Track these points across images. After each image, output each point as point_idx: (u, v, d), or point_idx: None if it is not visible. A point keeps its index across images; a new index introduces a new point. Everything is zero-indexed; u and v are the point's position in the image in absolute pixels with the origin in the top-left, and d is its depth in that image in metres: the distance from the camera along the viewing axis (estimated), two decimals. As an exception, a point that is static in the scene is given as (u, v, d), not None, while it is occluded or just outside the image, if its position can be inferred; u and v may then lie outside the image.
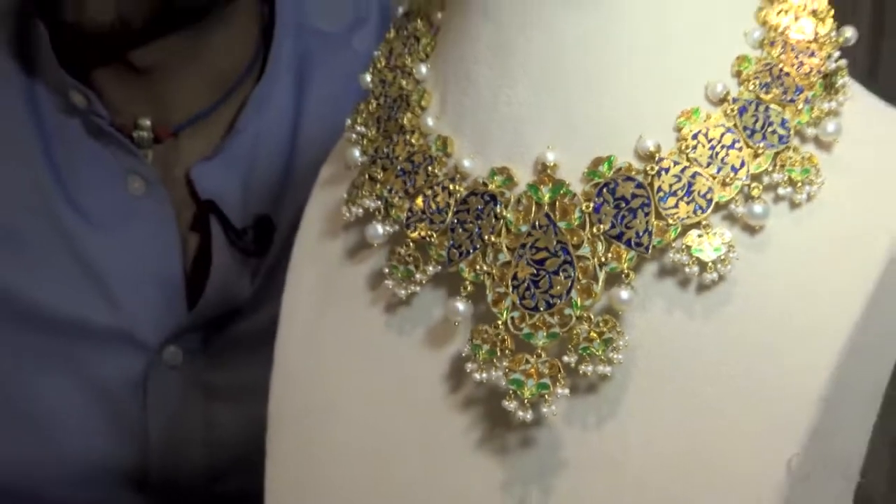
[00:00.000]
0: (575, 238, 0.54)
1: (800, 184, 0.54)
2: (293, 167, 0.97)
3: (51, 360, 0.98)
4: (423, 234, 0.58)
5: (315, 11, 1.06)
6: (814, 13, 0.58)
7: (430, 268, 0.58)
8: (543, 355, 0.54)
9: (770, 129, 0.55)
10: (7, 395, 1.00)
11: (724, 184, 0.54)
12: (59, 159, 1.00)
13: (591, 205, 0.54)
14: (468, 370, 0.55)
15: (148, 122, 0.99)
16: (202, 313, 0.99)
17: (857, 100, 0.57)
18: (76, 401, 0.98)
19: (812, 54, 0.57)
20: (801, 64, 0.56)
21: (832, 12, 0.59)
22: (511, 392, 0.54)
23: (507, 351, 0.54)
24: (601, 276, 0.54)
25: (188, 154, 1.02)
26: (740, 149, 0.54)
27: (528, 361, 0.54)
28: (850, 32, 0.58)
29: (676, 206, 0.53)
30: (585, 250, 0.54)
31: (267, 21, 1.05)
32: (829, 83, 0.56)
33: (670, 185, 0.54)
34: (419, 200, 0.59)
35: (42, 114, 1.00)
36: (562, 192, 0.55)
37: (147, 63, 0.97)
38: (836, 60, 0.57)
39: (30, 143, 0.99)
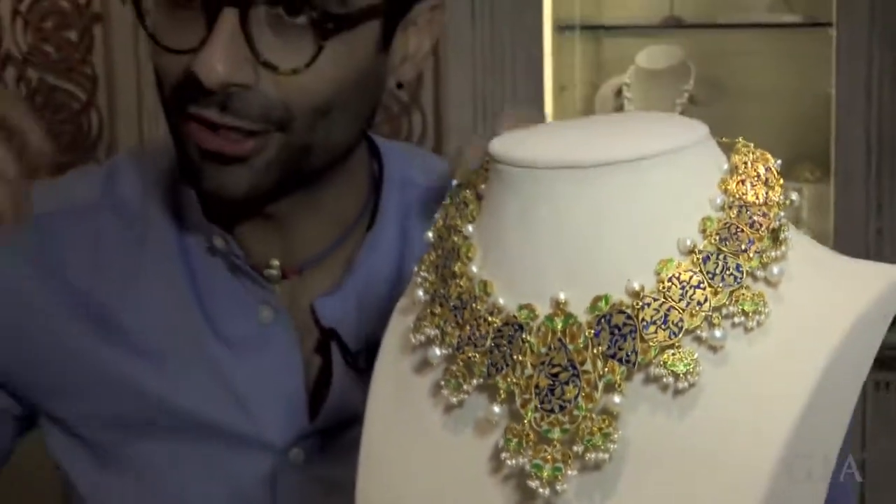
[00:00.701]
0: (580, 357, 0.63)
1: (751, 313, 0.63)
2: (398, 299, 1.02)
3: (195, 460, 1.03)
4: (469, 355, 0.67)
5: (416, 169, 1.09)
6: (766, 182, 0.68)
7: (475, 380, 0.67)
8: (558, 446, 0.63)
9: (727, 273, 0.64)
10: (163, 488, 1.04)
11: (692, 315, 0.63)
12: (203, 291, 1.03)
13: (593, 331, 0.63)
14: (503, 457, 0.64)
15: (277, 262, 1.03)
16: (322, 421, 1.02)
17: (796, 248, 0.67)
18: (218, 495, 1.03)
19: (764, 214, 0.66)
20: (754, 222, 0.66)
21: (781, 181, 0.69)
22: (534, 474, 0.63)
23: (530, 442, 0.63)
24: (600, 385, 0.63)
25: (312, 288, 1.04)
26: (704, 288, 0.63)
27: (546, 450, 0.63)
28: (794, 196, 0.68)
29: (656, 332, 0.63)
30: (588, 366, 0.63)
31: (377, 176, 1.08)
32: (775, 237, 0.66)
33: (651, 316, 0.63)
34: (466, 329, 0.68)
35: (189, 253, 1.04)
36: (570, 322, 0.64)
37: (276, 212, 1.00)
38: (781, 220, 0.67)
39: (179, 278, 1.03)
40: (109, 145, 2.52)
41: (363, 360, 1.01)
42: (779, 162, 0.71)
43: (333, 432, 1.03)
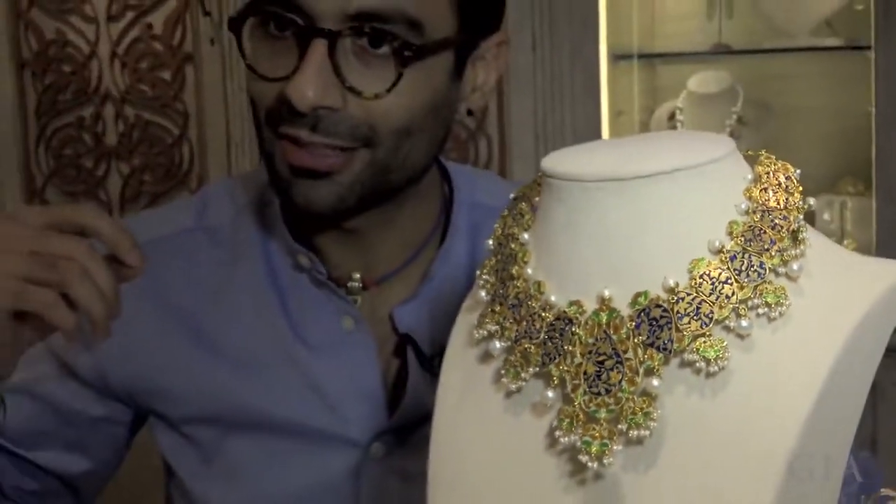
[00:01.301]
0: (623, 346, 0.67)
1: (773, 305, 0.67)
2: None
3: (289, 456, 1.06)
4: (525, 346, 0.71)
5: (483, 191, 1.11)
6: (786, 189, 0.71)
7: (531, 369, 0.70)
8: (604, 424, 0.67)
9: (752, 270, 0.67)
10: (260, 482, 1.07)
11: (721, 307, 0.66)
12: (290, 304, 1.06)
13: (634, 323, 0.67)
14: (556, 435, 0.68)
15: (358, 276, 1.06)
16: (400, 418, 1.05)
17: (814, 247, 0.70)
18: (308, 486, 1.06)
19: (784, 217, 0.70)
20: (775, 225, 0.69)
21: (800, 188, 0.72)
22: (584, 449, 0.66)
23: (580, 422, 0.67)
24: (641, 370, 0.67)
25: (389, 298, 1.07)
26: (731, 283, 0.67)
27: (594, 429, 0.67)
28: (811, 201, 0.72)
29: (689, 322, 0.66)
30: (630, 354, 0.67)
31: (447, 197, 1.10)
32: (794, 237, 0.69)
33: (685, 309, 0.67)
34: (523, 324, 0.71)
35: (276, 271, 1.07)
36: (614, 316, 0.68)
37: (358, 229, 1.02)
38: (800, 222, 0.70)
39: (267, 293, 1.07)
40: (200, 175, 2.55)
41: (436, 362, 1.01)
42: (798, 171, 0.74)
43: (409, 428, 1.06)
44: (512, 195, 0.79)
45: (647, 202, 0.69)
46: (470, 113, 1.04)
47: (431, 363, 1.05)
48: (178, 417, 1.09)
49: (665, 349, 0.67)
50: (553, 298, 0.71)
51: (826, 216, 2.17)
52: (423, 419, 1.00)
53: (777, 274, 0.69)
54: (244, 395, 1.07)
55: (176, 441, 1.11)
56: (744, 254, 0.68)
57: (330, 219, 1.00)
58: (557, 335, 0.70)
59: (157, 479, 1.19)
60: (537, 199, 0.76)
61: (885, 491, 0.66)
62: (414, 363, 1.05)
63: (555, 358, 0.70)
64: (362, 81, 0.92)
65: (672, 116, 2.35)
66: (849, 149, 2.24)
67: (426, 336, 1.05)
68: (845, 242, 2.10)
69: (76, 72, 2.60)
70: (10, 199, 2.67)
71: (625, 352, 0.68)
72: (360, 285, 1.06)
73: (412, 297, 1.06)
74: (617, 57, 2.30)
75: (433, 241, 1.09)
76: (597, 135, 2.19)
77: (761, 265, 0.68)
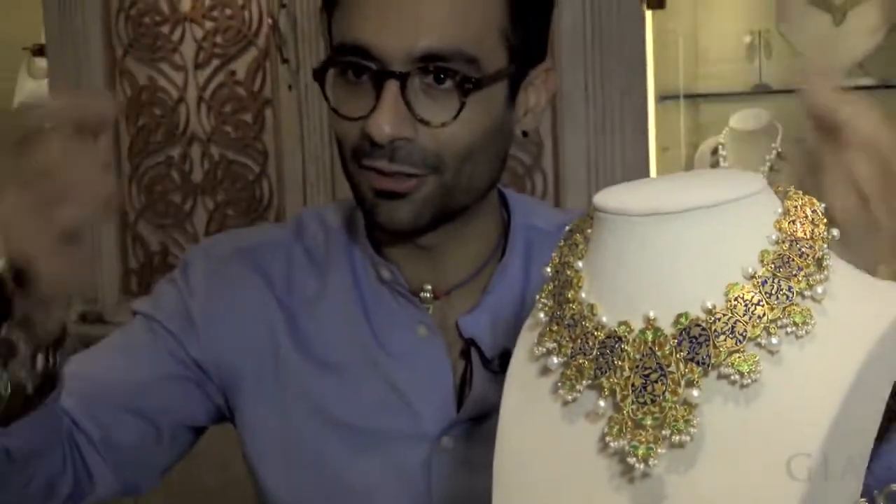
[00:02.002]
0: (666, 361, 0.70)
1: (800, 324, 0.70)
2: (522, 317, 1.04)
3: (369, 451, 1.11)
4: (580, 362, 0.74)
5: (537, 216, 1.17)
6: (812, 221, 0.74)
7: (585, 382, 0.73)
8: (650, 430, 0.69)
9: (781, 293, 0.70)
10: (341, 477, 1.11)
11: (753, 326, 0.69)
12: (372, 314, 1.13)
13: (676, 341, 0.70)
14: (607, 441, 0.71)
15: (430, 287, 1.12)
16: (466, 414, 1.10)
17: (837, 272, 0.73)
18: (386, 477, 1.10)
19: (810, 247, 0.72)
20: (802, 253, 0.72)
21: (825, 220, 0.74)
22: (632, 452, 0.69)
23: (629, 428, 0.70)
24: (682, 382, 0.69)
25: (456, 307, 1.13)
26: (763, 305, 0.70)
27: (641, 434, 0.70)
28: (835, 231, 0.74)
29: (725, 340, 0.69)
30: (673, 368, 0.70)
31: (505, 220, 1.16)
32: (819, 264, 0.72)
33: (721, 328, 0.69)
34: (577, 342, 0.74)
35: (360, 285, 1.13)
36: (658, 334, 0.71)
37: (430, 245, 1.09)
38: (824, 251, 0.73)
39: (353, 303, 1.13)
40: (278, 209, 2.58)
41: (497, 363, 1.09)
42: (823, 205, 0.76)
43: (475, 422, 1.10)
44: (567, 228, 0.82)
45: (686, 234, 0.72)
46: (525, 134, 1.10)
47: (492, 364, 1.10)
48: (270, 414, 1.14)
49: (704, 363, 0.70)
50: (604, 319, 0.74)
51: (860, 244, 2.16)
52: (486, 414, 1.07)
53: (803, 297, 0.71)
54: (329, 392, 1.12)
55: (263, 445, 1.15)
56: (774, 279, 0.71)
57: (407, 234, 1.07)
58: (608, 351, 0.73)
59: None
60: (589, 230, 0.79)
61: (894, 487, 0.68)
62: (478, 364, 1.11)
63: (606, 372, 0.73)
64: (430, 113, 0.99)
65: (715, 152, 2.36)
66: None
67: (488, 341, 1.10)
68: (881, 268, 2.10)
69: (166, 115, 2.65)
70: (106, 231, 2.72)
71: (668, 366, 0.70)
72: (432, 296, 1.12)
73: (475, 308, 1.12)
74: (663, 97, 2.31)
75: (493, 258, 1.14)
76: (645, 169, 2.20)
77: (789, 289, 0.71)
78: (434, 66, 0.99)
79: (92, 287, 2.73)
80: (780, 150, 2.30)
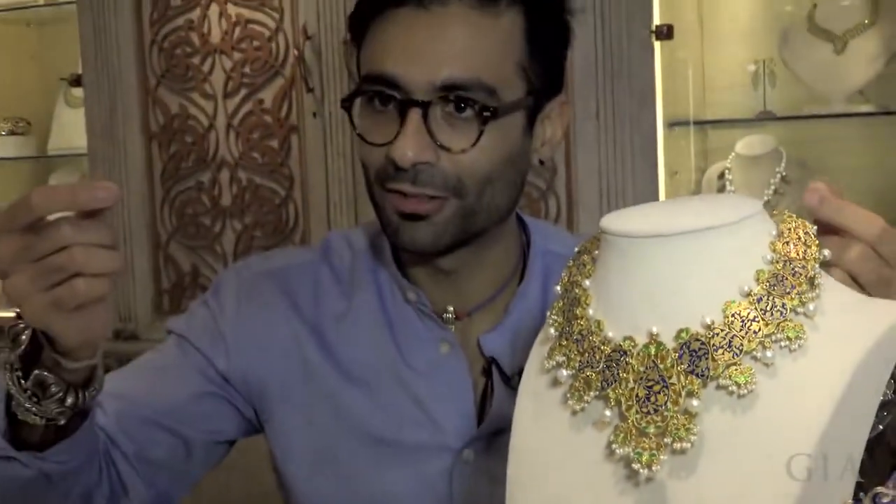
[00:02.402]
0: (668, 373, 0.72)
1: (793, 339, 0.71)
2: None
3: (393, 461, 1.12)
4: (587, 374, 0.76)
5: (554, 241, 1.19)
6: (804, 243, 0.76)
7: (592, 393, 0.75)
8: (653, 438, 0.72)
9: (775, 310, 0.72)
10: (367, 486, 1.13)
11: (749, 340, 0.71)
12: (397, 332, 1.15)
13: (677, 354, 0.72)
14: (613, 448, 0.73)
15: (452, 308, 1.14)
16: (487, 428, 1.11)
17: (828, 290, 0.75)
18: (410, 486, 1.12)
19: (803, 267, 0.74)
20: (795, 272, 0.74)
21: (817, 242, 0.76)
22: (636, 458, 0.72)
23: (633, 436, 0.72)
24: (683, 393, 0.71)
25: (477, 327, 1.15)
26: (758, 321, 0.72)
27: (644, 442, 0.72)
28: (826, 252, 0.76)
29: (723, 353, 0.71)
30: (674, 379, 0.72)
31: (524, 244, 1.18)
32: (811, 282, 0.74)
33: (719, 342, 0.71)
34: (585, 356, 0.76)
35: (385, 305, 1.15)
36: (661, 348, 0.73)
37: (451, 269, 1.11)
38: (816, 270, 0.74)
39: (379, 322, 1.15)
40: (304, 231, 2.58)
41: (516, 381, 1.06)
42: (815, 228, 0.78)
43: (495, 436, 1.12)
44: (576, 249, 0.85)
45: (686, 254, 0.74)
46: (541, 163, 1.12)
47: (511, 381, 1.12)
48: (299, 425, 1.15)
49: (703, 375, 0.72)
50: (610, 334, 0.76)
51: (862, 264, 2.17)
52: (505, 428, 1.04)
53: (796, 313, 0.73)
54: (356, 405, 1.14)
55: (291, 452, 1.17)
56: (768, 296, 0.73)
57: (429, 255, 1.09)
58: (614, 364, 0.75)
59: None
60: (597, 251, 0.81)
61: (879, 489, 0.70)
62: (498, 381, 1.12)
63: (612, 383, 0.75)
64: (451, 140, 1.02)
65: (722, 176, 2.36)
66: (881, 203, 2.24)
67: (507, 359, 1.12)
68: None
69: (196, 142, 2.67)
70: (139, 253, 2.75)
71: (670, 378, 0.73)
72: (454, 316, 1.14)
73: (495, 328, 1.14)
74: (672, 124, 2.32)
75: (513, 281, 1.16)
76: (654, 193, 2.21)
77: (783, 306, 0.73)
78: (455, 95, 1.01)
79: (126, 306, 2.77)
80: (784, 174, 2.30)
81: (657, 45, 2.21)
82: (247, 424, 1.21)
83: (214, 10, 2.61)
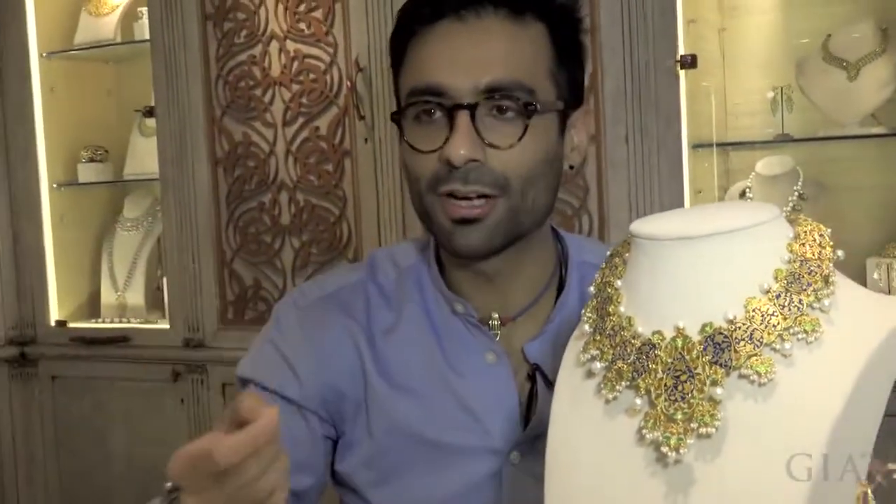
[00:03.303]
0: (694, 364, 0.73)
1: (810, 332, 0.72)
2: None
3: (444, 464, 1.10)
4: (619, 366, 0.77)
5: (589, 252, 1.17)
6: (819, 244, 0.76)
7: (624, 383, 0.76)
8: (680, 423, 0.73)
9: (793, 305, 0.73)
10: (420, 488, 1.10)
11: (769, 333, 0.72)
12: (444, 342, 1.12)
13: (702, 347, 0.73)
14: (643, 433, 0.74)
15: (497, 315, 1.12)
16: (532, 431, 1.08)
17: (842, 287, 0.75)
18: (460, 488, 1.10)
19: (818, 266, 0.75)
20: (811, 271, 0.75)
21: (831, 243, 0.77)
22: (665, 442, 0.73)
23: (662, 422, 0.73)
24: (708, 382, 0.72)
25: (521, 333, 1.12)
26: (777, 315, 0.73)
27: (672, 427, 0.73)
28: (840, 253, 0.76)
29: (744, 345, 0.72)
30: (700, 370, 0.73)
31: (560, 253, 1.16)
32: (826, 280, 0.74)
33: (741, 335, 0.72)
34: (617, 349, 0.77)
35: (433, 317, 1.13)
36: (687, 341, 0.74)
37: (493, 271, 1.09)
38: (830, 269, 0.75)
39: (427, 334, 1.13)
40: (356, 248, 2.59)
41: None
42: (829, 230, 0.79)
43: (539, 438, 1.06)
44: (608, 252, 0.86)
45: (710, 255, 0.75)
46: (571, 167, 1.12)
47: (554, 385, 1.08)
48: (355, 429, 1.13)
49: (726, 366, 0.73)
50: (640, 329, 0.77)
51: (875, 275, 2.15)
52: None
53: (812, 308, 0.74)
54: (408, 412, 1.11)
55: (350, 451, 1.14)
56: (786, 293, 0.74)
57: (482, 257, 1.08)
58: (644, 357, 0.76)
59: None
60: (627, 254, 0.82)
61: (890, 465, 0.70)
62: (542, 386, 1.10)
63: (642, 374, 0.76)
64: (498, 137, 1.02)
65: (743, 194, 2.34)
66: (893, 219, 2.24)
67: (550, 365, 1.10)
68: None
69: (258, 166, 2.68)
70: (206, 268, 2.77)
71: (695, 368, 0.73)
72: (499, 322, 1.12)
73: (538, 336, 1.12)
74: (696, 146, 2.31)
75: (551, 288, 1.15)
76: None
77: (800, 301, 0.74)
78: (499, 95, 1.03)
79: (194, 317, 2.80)
80: (801, 192, 2.28)
81: (682, 73, 2.21)
82: (331, 446, 1.17)
83: (275, 46, 2.64)
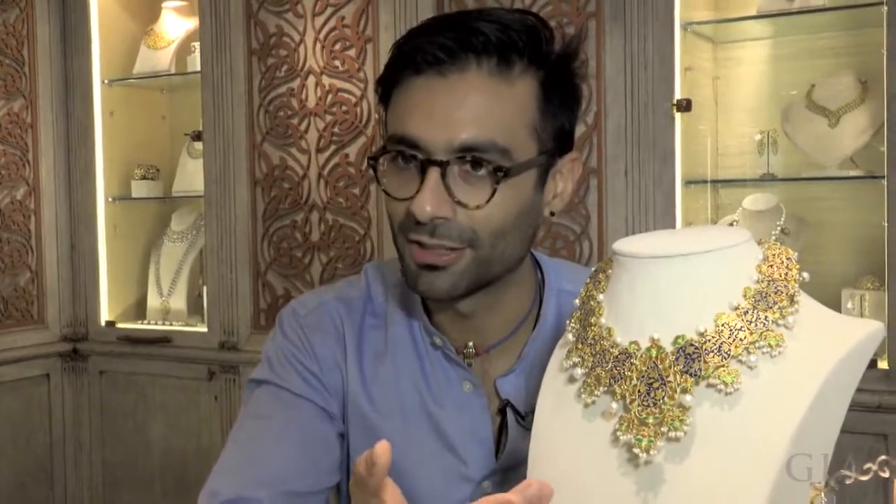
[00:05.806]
0: (666, 372, 0.71)
1: (774, 346, 0.71)
2: None
3: (421, 489, 1.03)
4: (598, 372, 0.75)
5: (568, 280, 1.08)
6: (786, 266, 0.75)
7: (602, 388, 0.75)
8: (652, 427, 0.71)
9: (759, 321, 0.71)
10: None
11: (736, 346, 0.70)
12: (426, 370, 1.06)
13: (674, 357, 0.71)
14: (618, 435, 0.73)
15: (472, 344, 1.05)
16: (503, 461, 1.04)
17: (806, 306, 0.74)
18: None
19: (784, 286, 0.73)
20: (778, 290, 0.73)
21: (797, 266, 0.75)
22: (637, 444, 0.71)
23: (634, 425, 0.72)
24: (678, 390, 0.71)
25: (495, 365, 1.06)
26: (744, 330, 0.71)
27: (644, 430, 0.71)
28: (805, 275, 0.74)
29: (713, 357, 0.70)
30: (671, 378, 0.71)
31: (539, 282, 1.08)
32: (791, 299, 0.73)
33: (710, 347, 0.71)
34: (597, 357, 0.76)
35: (417, 343, 1.07)
36: (661, 351, 0.72)
37: (469, 311, 1.03)
38: (796, 289, 0.73)
39: (412, 360, 1.07)
40: None
41: (529, 419, 0.96)
42: (796, 255, 0.77)
43: (511, 468, 1.04)
44: (594, 268, 0.84)
45: (684, 273, 0.73)
46: (552, 214, 1.03)
47: (525, 420, 1.03)
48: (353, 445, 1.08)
49: (696, 375, 0.71)
50: (618, 339, 0.76)
51: (849, 304, 2.13)
52: (519, 463, 0.98)
53: (777, 325, 0.72)
54: (390, 437, 1.02)
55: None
56: (754, 310, 0.72)
57: (445, 301, 1.02)
58: (621, 364, 0.74)
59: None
60: (610, 270, 0.80)
61: (842, 471, 0.68)
62: (513, 421, 1.04)
63: (618, 380, 0.74)
64: (467, 196, 0.94)
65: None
66: (868, 253, 2.21)
67: (521, 400, 1.04)
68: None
69: (292, 188, 2.69)
70: (242, 278, 2.78)
71: (667, 376, 0.72)
72: (474, 352, 1.06)
73: (510, 371, 1.05)
74: (689, 182, 2.30)
75: (529, 319, 1.07)
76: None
77: (766, 318, 0.72)
78: (471, 155, 0.93)
79: (230, 323, 2.80)
80: (784, 226, 2.28)
81: (678, 116, 2.21)
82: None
83: (311, 80, 2.66)
